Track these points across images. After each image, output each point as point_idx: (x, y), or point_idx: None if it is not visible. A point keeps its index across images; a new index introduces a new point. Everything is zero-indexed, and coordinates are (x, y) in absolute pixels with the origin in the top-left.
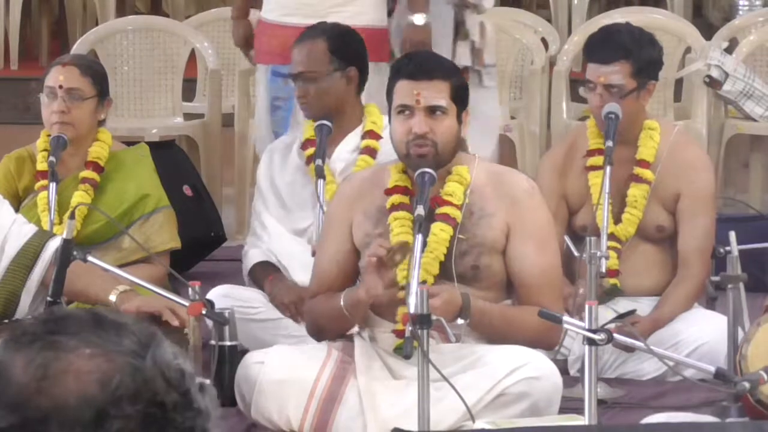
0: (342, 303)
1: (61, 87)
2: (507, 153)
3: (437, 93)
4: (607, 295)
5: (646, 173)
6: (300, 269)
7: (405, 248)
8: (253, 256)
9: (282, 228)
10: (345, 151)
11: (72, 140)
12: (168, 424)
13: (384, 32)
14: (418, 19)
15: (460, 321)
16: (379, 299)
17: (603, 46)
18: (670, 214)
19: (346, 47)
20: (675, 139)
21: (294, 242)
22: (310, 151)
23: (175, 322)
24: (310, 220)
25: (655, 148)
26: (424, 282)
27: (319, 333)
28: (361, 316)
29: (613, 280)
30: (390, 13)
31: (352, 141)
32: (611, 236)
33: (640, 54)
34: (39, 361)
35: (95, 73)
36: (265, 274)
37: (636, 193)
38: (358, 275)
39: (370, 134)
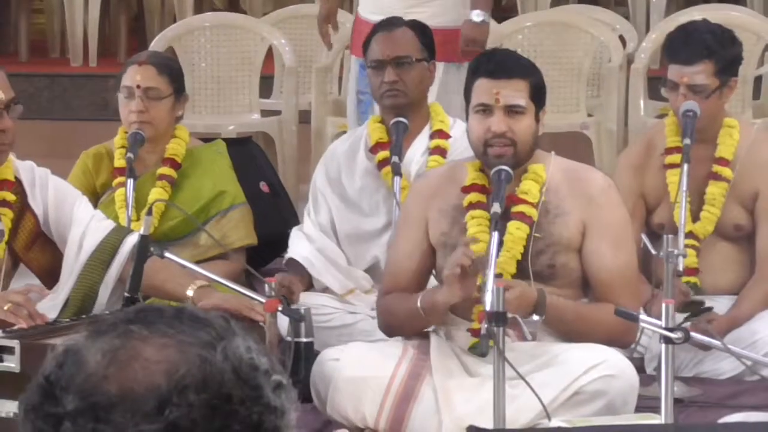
0: (419, 305)
1: (138, 86)
2: (584, 151)
3: (516, 92)
4: (688, 307)
5: (725, 171)
6: (331, 277)
7: (487, 258)
8: (298, 249)
9: (324, 237)
10: (418, 153)
11: (150, 138)
12: (233, 416)
13: (458, 33)
14: (477, 15)
15: (535, 317)
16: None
17: (685, 47)
18: (749, 212)
19: (430, 41)
20: (754, 138)
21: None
22: (382, 154)
23: (259, 317)
24: (383, 223)
25: (735, 146)
26: (499, 275)
27: (392, 331)
28: (438, 319)
29: (692, 279)
30: None
31: (422, 142)
32: (689, 234)
33: (722, 53)
34: (109, 348)
35: (172, 70)
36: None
37: (714, 191)
38: (432, 272)
39: (439, 134)
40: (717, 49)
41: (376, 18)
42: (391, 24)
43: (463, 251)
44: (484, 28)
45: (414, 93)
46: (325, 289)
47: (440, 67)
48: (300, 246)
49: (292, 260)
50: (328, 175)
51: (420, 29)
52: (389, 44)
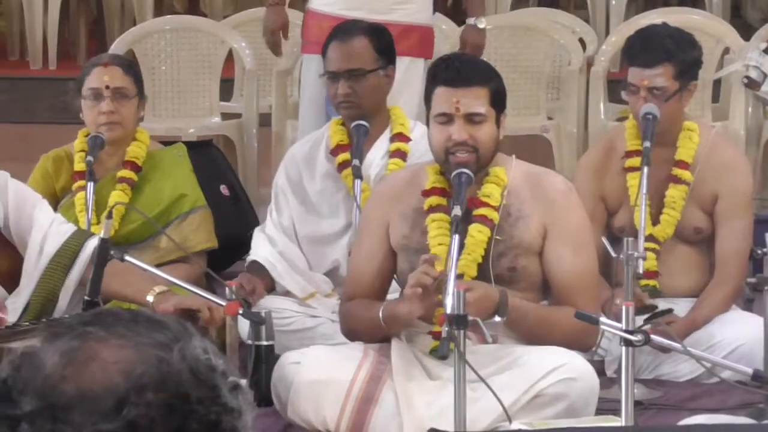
0: (381, 315)
1: (107, 87)
2: (544, 154)
3: (476, 100)
4: (646, 309)
5: (685, 174)
6: (292, 281)
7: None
8: (260, 251)
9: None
10: (377, 156)
11: (116, 140)
12: (191, 415)
13: (432, 30)
14: (480, 22)
15: (497, 318)
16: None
17: (645, 50)
18: (708, 215)
19: (387, 45)
20: (713, 141)
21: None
22: (342, 156)
23: (212, 323)
24: (342, 225)
25: (694, 149)
26: (460, 276)
27: (354, 336)
28: (399, 330)
29: (652, 282)
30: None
31: (382, 145)
32: (649, 237)
33: (682, 56)
34: (66, 349)
35: (135, 71)
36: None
37: (674, 194)
38: (394, 275)
39: (400, 137)
40: (676, 52)
41: (355, 14)
42: (347, 32)
43: (424, 269)
44: (484, 33)
45: (368, 103)
46: (287, 293)
47: (405, 61)
48: (262, 248)
49: (254, 262)
50: (289, 177)
51: (377, 35)
52: (343, 56)
